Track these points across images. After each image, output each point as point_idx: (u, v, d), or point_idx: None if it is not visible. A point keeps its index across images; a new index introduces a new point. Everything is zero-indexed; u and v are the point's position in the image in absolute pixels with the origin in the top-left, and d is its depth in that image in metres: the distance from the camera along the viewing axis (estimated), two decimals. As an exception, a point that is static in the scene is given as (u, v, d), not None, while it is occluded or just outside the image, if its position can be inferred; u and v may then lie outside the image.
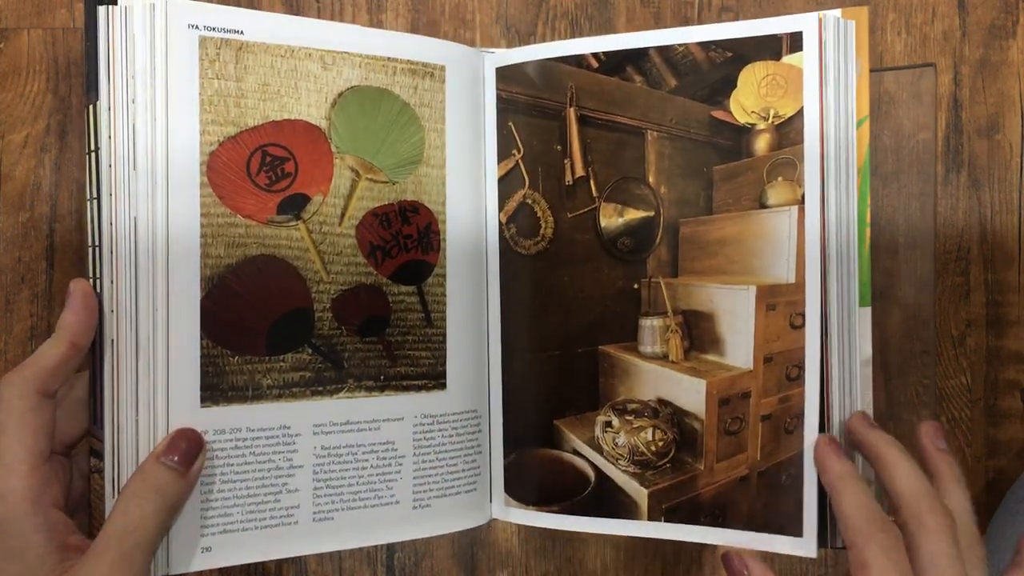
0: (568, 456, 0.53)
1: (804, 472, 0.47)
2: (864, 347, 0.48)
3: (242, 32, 0.47)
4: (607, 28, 0.61)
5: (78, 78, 0.58)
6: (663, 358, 0.52)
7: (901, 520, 0.42)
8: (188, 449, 0.43)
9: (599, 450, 0.52)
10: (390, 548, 0.60)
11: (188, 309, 0.45)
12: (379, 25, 0.60)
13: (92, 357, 0.44)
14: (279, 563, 0.59)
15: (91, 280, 0.44)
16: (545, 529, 0.52)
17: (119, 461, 0.43)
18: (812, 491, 0.47)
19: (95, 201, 0.44)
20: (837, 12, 0.48)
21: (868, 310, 0.49)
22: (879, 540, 0.41)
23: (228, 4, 0.59)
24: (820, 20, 0.48)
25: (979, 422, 0.58)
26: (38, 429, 0.40)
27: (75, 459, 0.45)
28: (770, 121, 0.49)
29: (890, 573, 0.40)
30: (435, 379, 0.51)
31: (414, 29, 0.61)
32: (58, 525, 0.40)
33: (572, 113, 0.52)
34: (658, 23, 0.60)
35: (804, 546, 0.48)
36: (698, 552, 0.60)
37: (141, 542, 0.40)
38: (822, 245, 0.47)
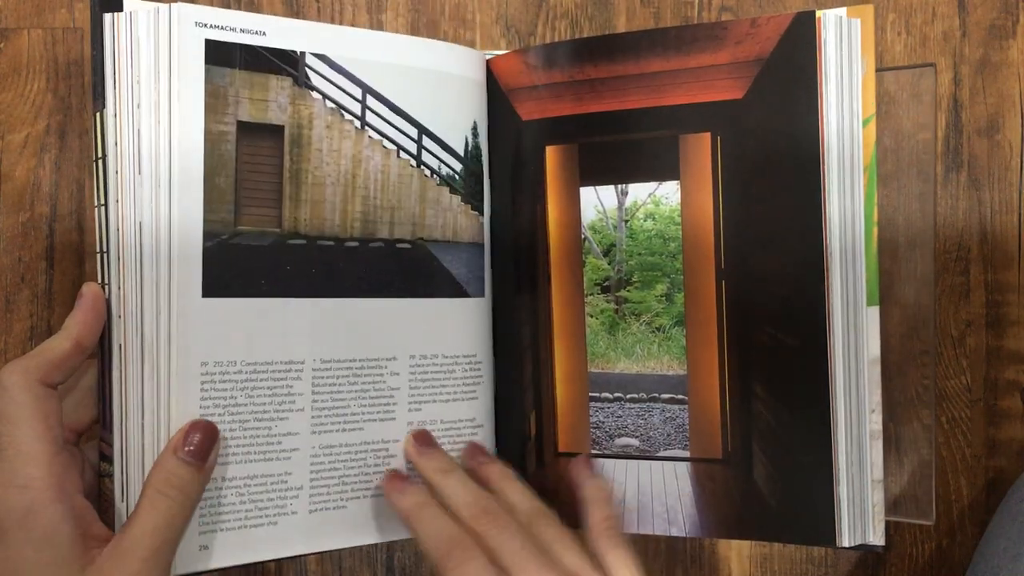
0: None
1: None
2: (872, 346, 0.48)
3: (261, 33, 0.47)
4: (607, 28, 0.61)
5: (78, 78, 0.58)
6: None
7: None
8: (203, 440, 0.43)
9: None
10: (390, 548, 0.60)
11: (191, 313, 0.45)
12: (379, 25, 0.60)
13: (101, 359, 0.45)
14: (279, 563, 0.59)
15: (101, 286, 0.44)
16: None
17: (127, 465, 0.44)
18: None
19: (103, 207, 0.44)
20: (841, 11, 0.48)
21: (876, 309, 0.48)
22: (457, 556, 0.41)
23: (229, 5, 0.60)
24: (823, 19, 0.48)
25: (979, 422, 0.58)
26: (48, 417, 0.41)
27: (85, 450, 0.46)
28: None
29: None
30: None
31: (414, 29, 0.61)
32: (83, 513, 0.41)
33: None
34: (658, 23, 0.60)
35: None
36: (698, 552, 0.60)
37: (169, 539, 0.41)
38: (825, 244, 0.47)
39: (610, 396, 0.52)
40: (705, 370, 0.51)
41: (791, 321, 0.48)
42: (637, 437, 0.51)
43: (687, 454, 0.51)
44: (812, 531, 0.48)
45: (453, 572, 0.41)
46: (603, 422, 0.52)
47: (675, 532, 0.50)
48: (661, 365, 0.52)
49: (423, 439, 0.49)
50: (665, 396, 0.51)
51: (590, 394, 0.52)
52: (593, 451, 0.52)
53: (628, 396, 0.52)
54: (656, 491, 0.51)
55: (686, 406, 0.51)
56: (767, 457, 0.49)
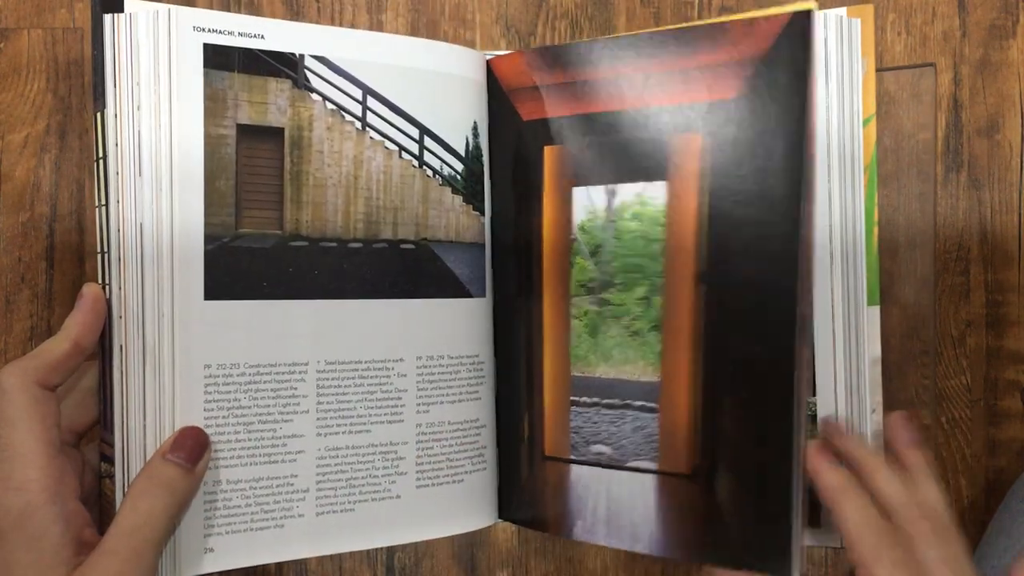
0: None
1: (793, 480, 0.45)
2: (873, 347, 0.48)
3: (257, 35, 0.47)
4: (607, 28, 0.61)
5: (78, 78, 0.58)
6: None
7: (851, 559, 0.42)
8: (193, 447, 0.43)
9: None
10: (390, 548, 0.60)
11: (193, 315, 0.45)
12: (379, 26, 0.60)
13: (101, 361, 0.45)
14: (279, 563, 0.59)
15: (101, 286, 0.44)
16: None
17: (128, 466, 0.44)
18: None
19: (103, 208, 0.44)
20: (842, 10, 0.48)
21: (876, 309, 0.48)
22: (889, 558, 0.41)
23: (229, 6, 0.59)
24: (823, 19, 0.48)
25: (979, 422, 0.58)
26: (46, 419, 0.41)
27: (85, 452, 0.46)
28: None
29: None
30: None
31: (414, 29, 0.61)
32: (75, 517, 0.40)
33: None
34: (658, 23, 0.60)
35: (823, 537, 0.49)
36: (698, 552, 0.60)
37: (151, 539, 0.40)
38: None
39: (588, 400, 0.51)
40: (678, 378, 0.48)
41: (761, 332, 0.45)
42: (610, 445, 0.50)
43: (655, 466, 0.49)
44: (764, 560, 0.45)
45: (879, 565, 0.41)
46: (581, 427, 0.51)
47: (639, 548, 0.48)
48: (636, 371, 0.50)
49: (838, 428, 0.48)
50: (637, 403, 0.49)
51: (571, 398, 0.51)
52: (572, 457, 0.51)
53: (604, 401, 0.50)
54: (624, 503, 0.49)
55: (656, 415, 0.49)
56: (732, 475, 0.47)
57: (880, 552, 0.41)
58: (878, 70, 0.58)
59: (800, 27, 0.44)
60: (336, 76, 0.49)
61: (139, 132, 0.44)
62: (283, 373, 0.47)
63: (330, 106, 0.49)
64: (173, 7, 0.45)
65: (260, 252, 0.47)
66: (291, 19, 0.59)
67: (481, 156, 0.53)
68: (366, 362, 0.49)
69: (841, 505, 0.43)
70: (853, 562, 0.42)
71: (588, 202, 0.51)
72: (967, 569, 0.42)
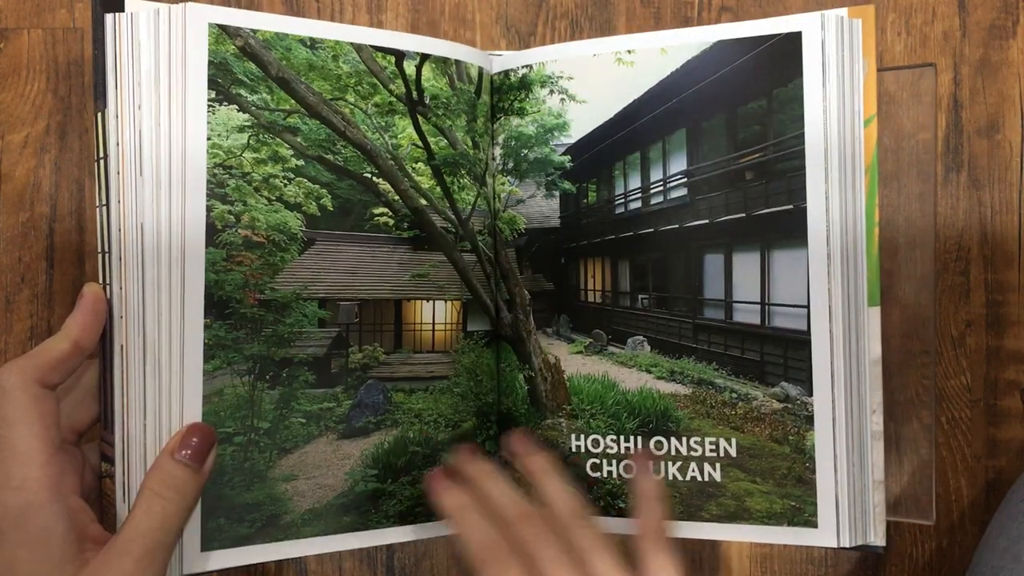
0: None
1: (818, 469, 0.48)
2: (873, 347, 0.48)
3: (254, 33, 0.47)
4: (607, 28, 0.61)
5: (78, 78, 0.58)
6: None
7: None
8: (200, 444, 0.43)
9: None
10: (390, 548, 0.60)
11: (193, 314, 0.45)
12: (379, 25, 0.60)
13: (102, 360, 0.45)
14: (279, 563, 0.59)
15: (102, 286, 0.44)
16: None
17: (128, 465, 0.44)
18: (828, 484, 0.48)
19: (104, 208, 0.44)
20: (842, 11, 0.48)
21: (877, 310, 0.48)
22: (514, 571, 0.41)
23: (229, 4, 0.59)
24: (822, 20, 0.48)
25: (979, 422, 0.58)
26: (45, 418, 0.41)
27: (86, 451, 0.46)
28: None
29: None
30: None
31: (414, 29, 0.61)
32: (78, 513, 0.41)
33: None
34: (658, 23, 0.60)
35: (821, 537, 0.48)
36: (698, 551, 0.60)
37: (164, 541, 0.41)
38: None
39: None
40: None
41: None
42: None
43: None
44: None
45: None
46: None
47: None
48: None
49: (462, 449, 0.50)
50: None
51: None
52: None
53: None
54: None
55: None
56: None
57: (489, 561, 0.42)
58: (878, 70, 0.58)
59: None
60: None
61: (140, 132, 0.44)
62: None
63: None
64: (187, 4, 0.45)
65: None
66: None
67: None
68: None
69: (461, 527, 0.44)
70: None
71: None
72: (593, 556, 0.42)
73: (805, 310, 0.48)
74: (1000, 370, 0.58)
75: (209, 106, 0.46)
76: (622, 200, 0.56)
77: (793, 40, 0.48)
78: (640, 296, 0.54)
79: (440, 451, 0.51)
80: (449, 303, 0.52)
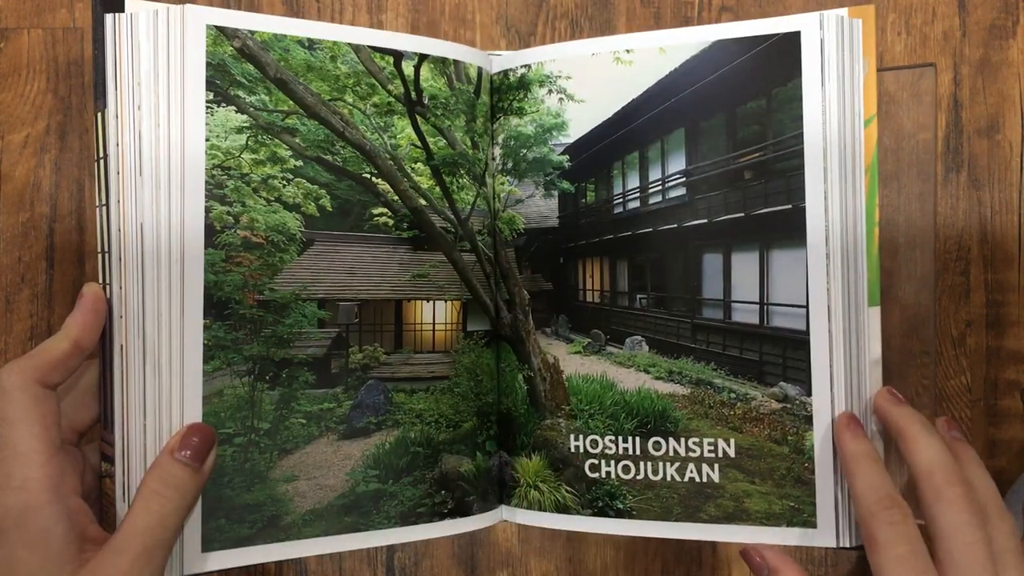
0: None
1: (817, 470, 0.48)
2: (873, 347, 0.48)
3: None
4: (607, 28, 0.61)
5: (78, 78, 0.58)
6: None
7: (920, 494, 0.42)
8: (200, 444, 0.43)
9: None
10: (390, 548, 0.60)
11: (193, 314, 0.45)
12: (379, 25, 0.60)
13: (102, 360, 0.45)
14: (279, 563, 0.59)
15: (102, 286, 0.44)
16: (545, 529, 0.52)
17: (129, 465, 0.44)
18: (827, 484, 0.48)
19: (104, 208, 0.44)
20: (842, 11, 0.48)
21: (877, 310, 0.48)
22: (886, 516, 0.41)
23: (228, 5, 0.60)
24: (821, 19, 0.48)
25: (979, 422, 0.58)
26: (46, 418, 0.41)
27: (86, 451, 0.46)
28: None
29: (897, 545, 0.40)
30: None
31: (414, 29, 0.61)
32: (78, 514, 0.41)
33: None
34: (658, 23, 0.60)
35: (820, 537, 0.48)
36: (698, 552, 0.60)
37: (162, 540, 0.40)
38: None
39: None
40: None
41: None
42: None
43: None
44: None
45: (884, 527, 0.41)
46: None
47: None
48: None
49: (895, 395, 0.48)
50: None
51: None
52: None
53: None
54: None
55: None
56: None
57: (879, 509, 0.42)
58: (878, 70, 0.58)
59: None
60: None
61: (139, 132, 0.44)
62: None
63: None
64: (186, 6, 0.45)
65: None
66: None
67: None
68: None
69: (853, 471, 0.45)
70: (859, 521, 0.43)
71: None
72: (1006, 560, 0.41)
73: (804, 310, 0.48)
74: (1000, 370, 0.58)
75: (207, 107, 0.46)
76: (620, 200, 0.56)
77: (792, 40, 0.48)
78: (638, 296, 0.54)
79: (441, 451, 0.51)
80: (449, 303, 0.52)
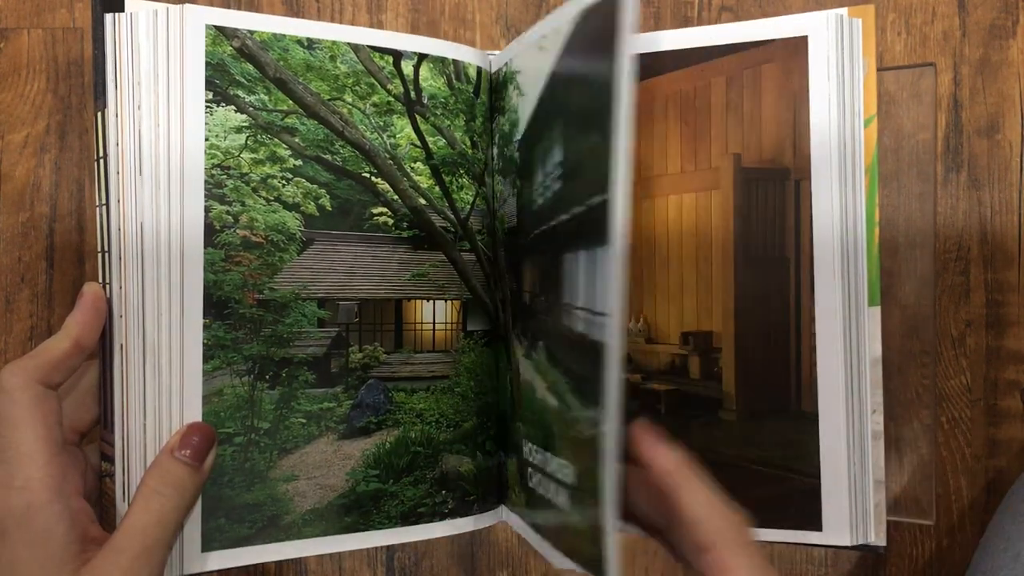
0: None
1: (821, 468, 0.47)
2: (874, 347, 0.48)
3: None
4: (607, 28, 0.61)
5: (78, 78, 0.58)
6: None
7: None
8: (200, 443, 0.43)
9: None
10: (390, 548, 0.60)
11: (193, 314, 0.45)
12: (379, 25, 0.60)
13: (102, 360, 0.45)
14: (279, 563, 0.59)
15: (102, 285, 0.44)
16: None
17: (128, 464, 0.44)
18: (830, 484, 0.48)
19: (104, 208, 0.44)
20: (843, 10, 0.48)
21: (877, 310, 0.48)
22: (741, 540, 0.40)
23: (228, 5, 0.60)
24: (826, 20, 0.48)
25: (979, 422, 0.58)
26: (48, 418, 0.41)
27: (87, 452, 0.46)
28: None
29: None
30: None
31: (414, 29, 0.61)
32: (80, 514, 0.41)
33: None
34: (658, 23, 0.60)
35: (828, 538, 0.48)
36: (698, 552, 0.60)
37: (161, 538, 0.40)
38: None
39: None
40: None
41: None
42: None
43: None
44: None
45: (728, 547, 0.39)
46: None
47: None
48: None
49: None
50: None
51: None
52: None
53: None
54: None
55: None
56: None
57: (732, 533, 0.40)
58: (878, 70, 0.58)
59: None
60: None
61: (139, 132, 0.44)
62: (282, 372, 0.47)
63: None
64: (185, 6, 0.45)
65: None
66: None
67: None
68: None
69: (683, 487, 0.41)
70: (700, 545, 0.40)
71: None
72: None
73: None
74: (1000, 370, 0.58)
75: (207, 107, 0.46)
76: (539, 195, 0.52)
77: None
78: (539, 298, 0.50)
79: (441, 451, 0.51)
80: (449, 303, 0.52)
